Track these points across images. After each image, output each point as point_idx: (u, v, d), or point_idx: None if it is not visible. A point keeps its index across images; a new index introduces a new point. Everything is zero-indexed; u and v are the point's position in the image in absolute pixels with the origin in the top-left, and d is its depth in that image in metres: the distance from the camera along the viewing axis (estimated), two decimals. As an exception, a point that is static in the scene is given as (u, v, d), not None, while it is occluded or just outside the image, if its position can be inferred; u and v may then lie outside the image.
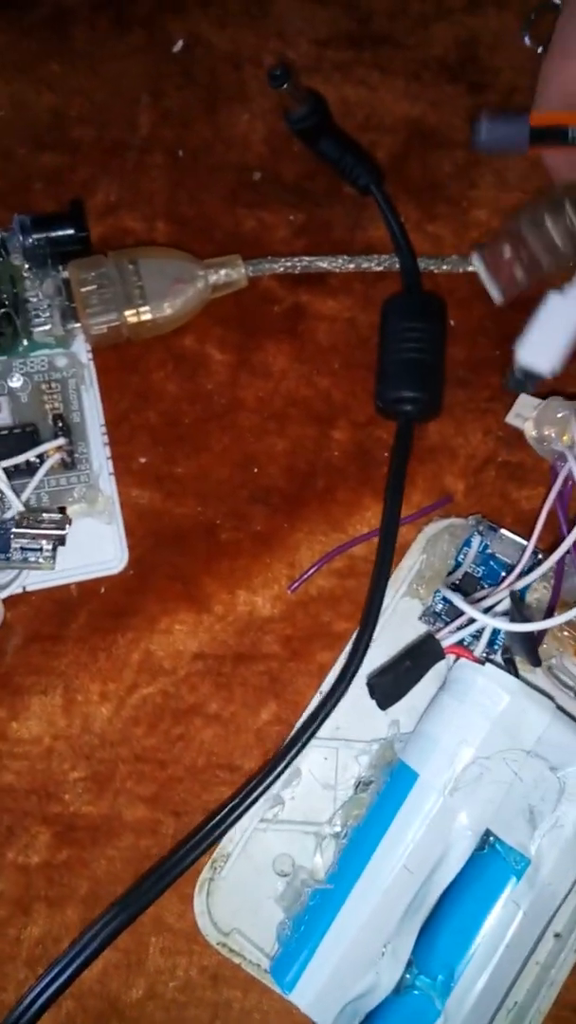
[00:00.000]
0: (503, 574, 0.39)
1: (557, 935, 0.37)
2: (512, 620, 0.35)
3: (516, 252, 0.42)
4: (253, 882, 0.37)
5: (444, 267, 0.45)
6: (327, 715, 0.37)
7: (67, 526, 0.39)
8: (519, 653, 0.35)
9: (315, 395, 0.44)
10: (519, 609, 0.35)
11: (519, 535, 0.40)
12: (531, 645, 0.35)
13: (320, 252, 0.45)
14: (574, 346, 0.42)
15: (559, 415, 0.38)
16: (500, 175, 0.47)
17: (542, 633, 0.36)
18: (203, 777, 0.39)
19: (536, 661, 0.35)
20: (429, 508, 0.42)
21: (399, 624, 0.40)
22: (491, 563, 0.40)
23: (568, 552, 0.36)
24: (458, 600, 0.35)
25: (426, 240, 0.46)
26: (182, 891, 0.37)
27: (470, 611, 0.35)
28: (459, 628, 0.36)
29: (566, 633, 0.38)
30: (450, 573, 0.39)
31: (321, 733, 0.38)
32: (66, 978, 0.35)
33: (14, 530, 0.38)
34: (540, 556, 0.39)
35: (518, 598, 0.36)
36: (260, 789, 0.36)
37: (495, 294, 0.44)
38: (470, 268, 0.44)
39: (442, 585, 0.38)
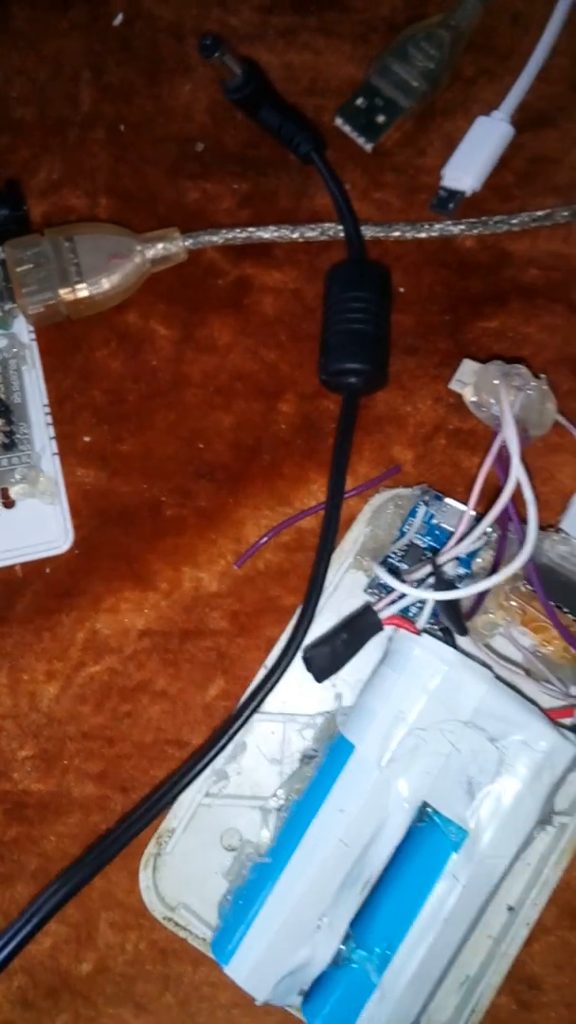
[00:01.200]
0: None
1: (511, 908, 0.37)
2: (437, 589, 0.34)
3: (371, 101, 0.45)
4: (201, 857, 0.37)
5: (392, 233, 0.44)
6: (270, 690, 0.37)
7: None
8: (446, 622, 0.35)
9: (261, 369, 0.43)
10: (440, 577, 0.35)
11: (465, 504, 0.39)
12: (457, 614, 0.35)
13: (266, 222, 0.44)
14: (491, 166, 0.44)
15: (494, 381, 0.37)
16: (449, 141, 0.46)
17: (480, 601, 0.36)
18: (151, 753, 0.39)
19: (462, 630, 0.35)
20: (377, 479, 0.41)
21: (345, 597, 0.39)
22: (436, 532, 0.39)
23: (508, 518, 0.36)
24: (381, 572, 0.35)
25: (373, 207, 0.46)
26: (131, 866, 0.38)
27: (392, 582, 0.35)
28: (396, 599, 0.36)
29: (513, 603, 0.38)
30: (395, 543, 0.39)
31: (267, 707, 0.38)
32: (11, 950, 0.35)
33: None
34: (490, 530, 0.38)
35: (439, 566, 0.35)
36: (202, 763, 0.37)
37: (362, 142, 0.45)
38: (337, 123, 0.46)
39: (373, 559, 0.37)
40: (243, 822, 0.38)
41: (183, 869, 0.37)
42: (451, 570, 0.37)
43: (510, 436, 0.35)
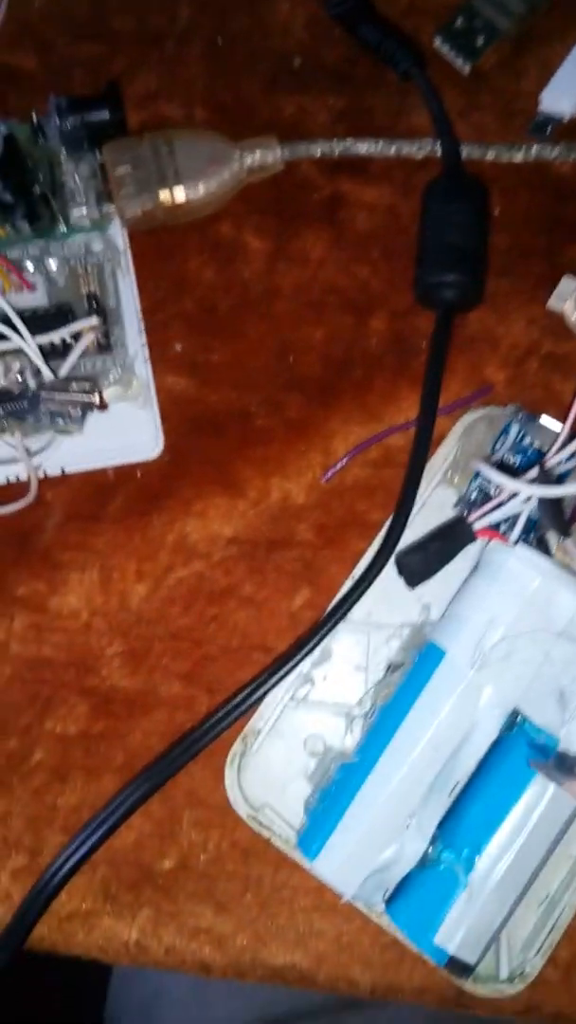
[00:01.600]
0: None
1: (594, 827, 0.37)
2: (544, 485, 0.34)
3: (470, 22, 0.45)
4: (285, 759, 0.38)
5: (489, 154, 0.44)
6: (358, 597, 0.37)
7: (96, 394, 0.39)
8: (548, 523, 0.35)
9: (353, 284, 0.43)
10: (545, 475, 0.34)
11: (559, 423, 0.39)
12: (559, 514, 0.34)
13: (363, 137, 0.44)
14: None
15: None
16: (546, 66, 0.45)
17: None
18: (237, 656, 0.39)
19: (566, 530, 0.35)
20: (468, 398, 0.41)
21: (434, 513, 0.39)
22: (528, 453, 0.39)
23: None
24: (486, 468, 0.35)
25: (470, 129, 0.45)
26: (216, 766, 0.38)
27: (497, 477, 0.35)
28: (491, 510, 0.36)
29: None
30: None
31: (353, 617, 0.38)
32: (95, 840, 0.36)
33: (43, 394, 0.38)
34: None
35: (544, 465, 0.35)
36: (288, 666, 0.37)
37: (460, 63, 0.45)
38: (436, 43, 0.45)
39: (478, 460, 0.37)
40: (327, 728, 0.38)
41: (267, 771, 0.37)
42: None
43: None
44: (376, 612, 0.39)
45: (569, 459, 0.36)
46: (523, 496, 0.35)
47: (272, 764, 0.38)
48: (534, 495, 0.34)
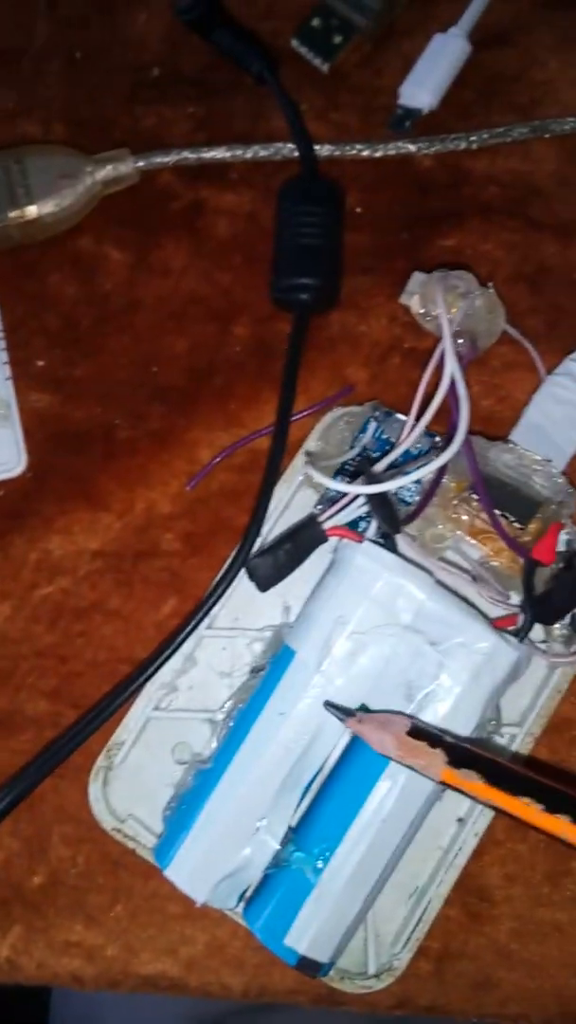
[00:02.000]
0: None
1: (460, 820, 0.36)
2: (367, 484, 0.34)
3: (326, 21, 0.45)
4: (152, 770, 0.38)
5: (348, 152, 0.44)
6: (214, 603, 0.37)
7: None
8: (378, 520, 0.35)
9: (215, 291, 0.43)
10: (368, 471, 0.34)
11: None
12: (387, 510, 0.34)
13: (220, 144, 0.44)
14: (448, 83, 0.44)
15: (435, 288, 0.37)
16: (407, 61, 0.45)
17: (422, 506, 0.36)
18: (104, 671, 0.39)
19: (395, 527, 0.34)
20: (329, 399, 0.41)
21: (297, 514, 0.39)
22: (387, 448, 0.39)
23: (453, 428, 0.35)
24: (311, 470, 0.35)
25: (331, 128, 0.45)
26: (84, 780, 0.38)
27: (321, 478, 0.35)
28: (338, 511, 0.36)
29: (464, 516, 0.38)
30: (343, 457, 0.39)
31: (219, 624, 0.39)
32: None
33: None
34: (437, 438, 0.38)
35: (366, 461, 0.35)
36: (145, 675, 0.37)
37: (319, 63, 0.45)
38: (293, 45, 0.45)
39: (305, 461, 0.37)
40: (194, 736, 0.38)
41: (134, 782, 0.37)
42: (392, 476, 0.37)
43: (446, 335, 0.35)
44: (242, 617, 0.39)
45: (405, 457, 0.36)
46: (356, 495, 0.34)
47: (140, 775, 0.37)
48: (360, 494, 0.34)
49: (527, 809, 0.29)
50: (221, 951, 0.37)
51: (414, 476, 0.34)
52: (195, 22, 0.45)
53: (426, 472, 0.34)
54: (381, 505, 0.34)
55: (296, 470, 0.39)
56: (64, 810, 0.38)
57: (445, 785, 0.30)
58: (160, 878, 0.36)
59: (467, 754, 0.30)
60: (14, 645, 0.40)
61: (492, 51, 0.45)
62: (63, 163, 0.42)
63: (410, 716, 0.33)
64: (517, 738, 0.37)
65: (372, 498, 0.34)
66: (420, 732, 0.31)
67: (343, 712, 0.33)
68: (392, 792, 0.33)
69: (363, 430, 0.39)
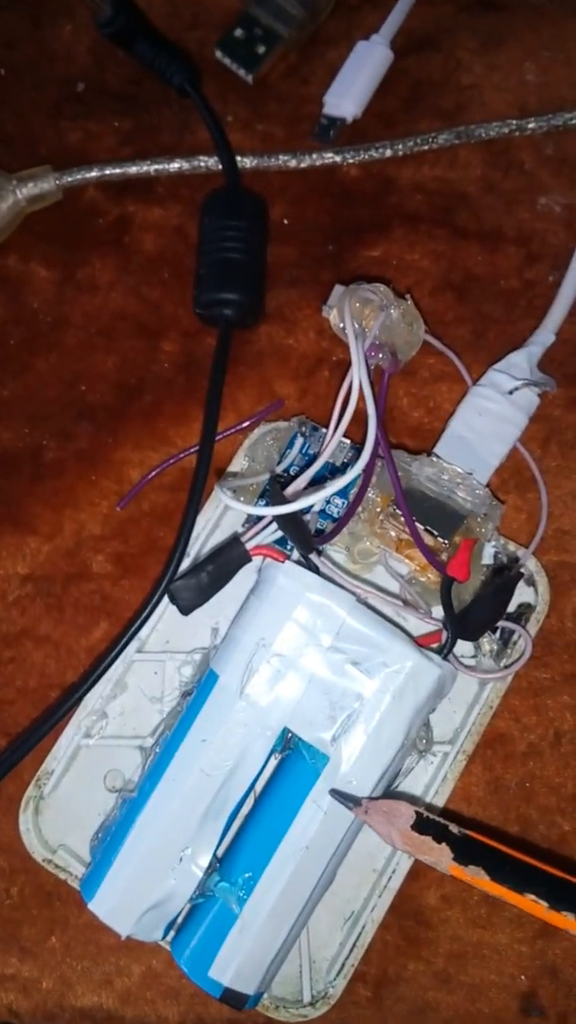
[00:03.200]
0: (326, 475, 0.38)
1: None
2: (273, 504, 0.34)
3: (249, 31, 0.44)
4: (84, 798, 0.37)
5: (272, 163, 0.43)
6: (139, 627, 0.37)
7: None
8: (292, 542, 0.34)
9: (144, 307, 0.43)
10: (278, 493, 0.34)
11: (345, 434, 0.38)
12: (299, 531, 0.34)
13: (145, 158, 0.43)
14: (372, 91, 0.44)
15: (350, 301, 0.36)
16: (332, 70, 0.45)
17: (341, 524, 0.35)
18: (35, 698, 0.39)
19: (308, 548, 0.34)
20: (258, 415, 0.41)
21: (227, 534, 0.39)
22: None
23: (377, 448, 0.35)
24: (220, 492, 0.35)
25: (257, 139, 0.45)
26: (16, 811, 0.37)
27: (229, 501, 0.34)
28: (260, 530, 0.35)
29: (391, 532, 0.37)
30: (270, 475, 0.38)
31: (150, 647, 0.38)
32: None
33: None
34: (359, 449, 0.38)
35: (276, 480, 0.34)
36: (70, 702, 0.36)
37: (243, 74, 0.45)
38: (217, 55, 0.45)
39: (218, 482, 0.37)
40: (126, 763, 0.37)
41: (66, 811, 0.37)
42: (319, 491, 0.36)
43: (352, 348, 0.35)
44: (173, 639, 0.38)
45: (329, 471, 0.36)
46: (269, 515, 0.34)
47: (71, 804, 0.37)
48: (268, 515, 0.34)
49: (534, 906, 0.29)
50: (157, 981, 0.36)
51: (318, 496, 0.33)
52: (117, 35, 0.44)
53: (331, 491, 0.33)
54: (291, 526, 0.34)
55: (224, 487, 0.39)
56: (-4, 842, 0.37)
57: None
58: (94, 907, 0.36)
59: (472, 846, 0.30)
60: (-58, 674, 0.39)
61: (416, 57, 0.45)
62: (-17, 182, 0.41)
63: (413, 802, 0.32)
64: (449, 756, 0.36)
65: (281, 519, 0.34)
66: (424, 823, 0.31)
67: (349, 800, 0.32)
68: (315, 818, 0.32)
69: (290, 445, 0.39)
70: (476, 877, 0.30)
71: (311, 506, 0.34)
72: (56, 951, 0.37)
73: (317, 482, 0.35)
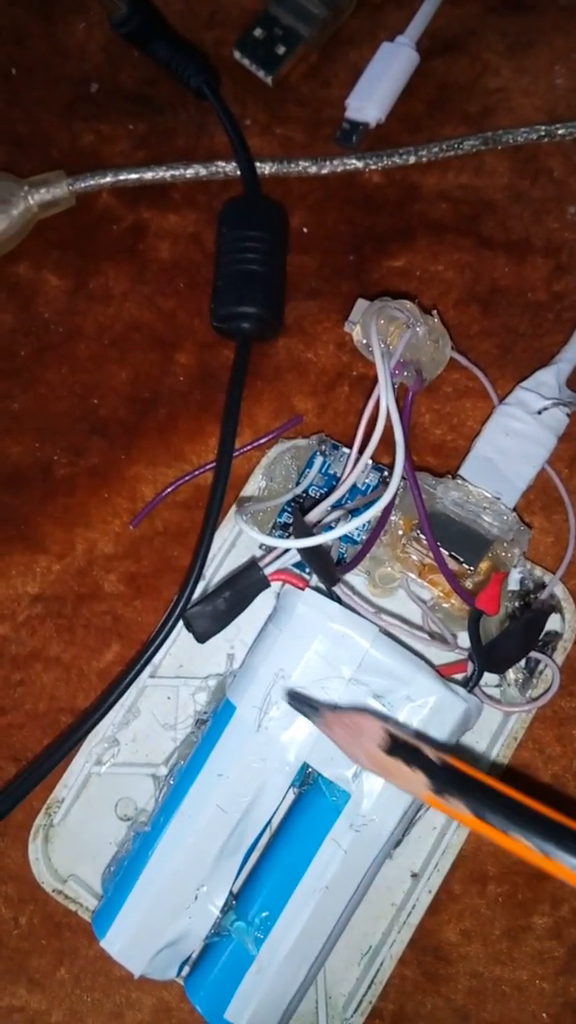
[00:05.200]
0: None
1: (414, 875, 0.35)
2: (296, 536, 0.32)
3: (269, 31, 0.43)
4: (95, 827, 0.36)
5: (292, 169, 0.42)
6: (153, 653, 0.36)
7: None
8: (314, 572, 0.33)
9: (159, 318, 0.42)
10: (300, 524, 0.33)
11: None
12: (322, 562, 0.33)
13: (162, 163, 0.42)
14: (396, 94, 0.43)
15: (376, 318, 0.35)
16: (355, 71, 0.43)
17: (364, 551, 0.34)
18: (45, 722, 0.38)
19: (331, 580, 0.33)
20: (276, 431, 0.40)
21: (245, 554, 0.38)
22: (334, 483, 0.37)
23: (404, 470, 0.34)
24: (241, 522, 0.33)
25: (276, 143, 0.43)
26: (25, 839, 0.36)
27: (250, 532, 0.33)
28: (278, 556, 0.34)
29: (413, 556, 0.36)
30: (286, 496, 0.37)
31: (163, 672, 0.37)
32: None
33: None
34: (386, 472, 0.37)
35: (298, 511, 0.33)
36: (83, 729, 0.35)
37: (262, 75, 0.43)
38: (235, 56, 0.44)
39: (236, 509, 0.35)
40: (137, 791, 0.36)
41: (77, 840, 0.36)
42: (335, 519, 0.35)
43: (380, 368, 0.33)
44: (187, 664, 0.37)
45: (352, 494, 0.35)
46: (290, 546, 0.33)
47: (82, 832, 0.36)
48: (291, 548, 0.33)
49: (522, 849, 0.24)
50: (168, 1015, 0.36)
51: (344, 529, 0.32)
52: (132, 34, 0.43)
53: (357, 524, 0.32)
54: (314, 556, 0.32)
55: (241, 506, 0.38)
56: (5, 869, 0.37)
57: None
58: (105, 940, 0.35)
59: (451, 775, 0.26)
60: (-50, 695, 0.38)
61: (441, 59, 0.43)
62: (-3, 188, 0.40)
63: (383, 719, 0.30)
64: (472, 788, 0.35)
65: (305, 551, 0.32)
66: (397, 744, 0.27)
67: (308, 706, 0.30)
68: (336, 857, 0.31)
69: (309, 465, 0.38)
70: (456, 811, 0.25)
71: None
72: (65, 983, 0.36)
73: (337, 505, 0.34)
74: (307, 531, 0.32)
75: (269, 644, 0.33)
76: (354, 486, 0.36)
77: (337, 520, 0.36)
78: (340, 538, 0.36)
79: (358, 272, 0.42)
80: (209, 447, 0.40)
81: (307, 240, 0.42)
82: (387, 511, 0.35)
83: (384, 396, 0.32)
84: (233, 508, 0.37)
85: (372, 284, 0.41)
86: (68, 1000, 0.36)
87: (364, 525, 0.36)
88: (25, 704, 0.38)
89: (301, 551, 0.33)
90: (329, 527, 0.34)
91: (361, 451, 0.34)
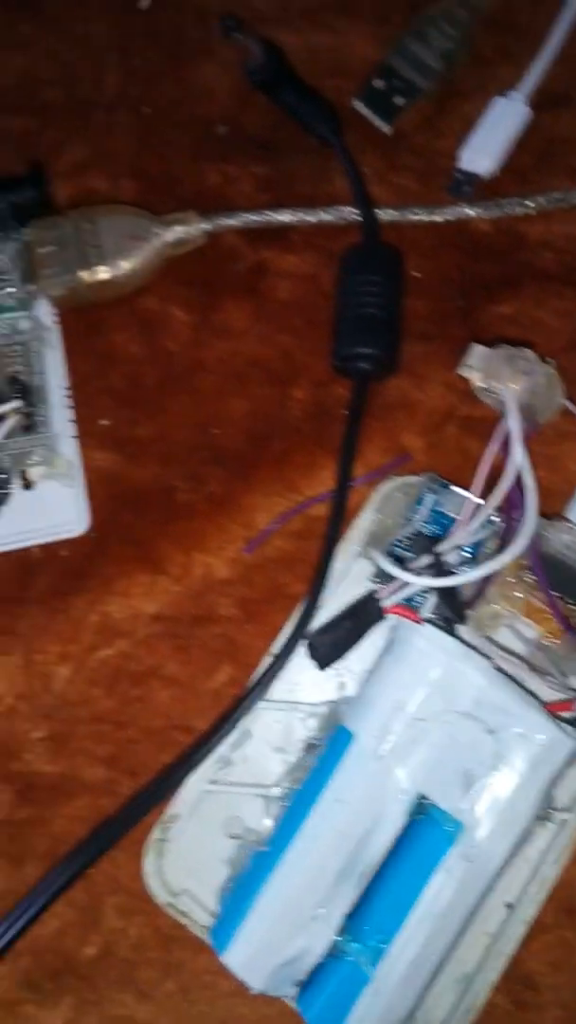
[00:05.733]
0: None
1: (509, 905, 0.36)
2: (434, 576, 0.34)
3: (389, 82, 0.44)
4: (204, 844, 0.37)
5: (409, 217, 0.44)
6: (272, 677, 0.37)
7: (11, 486, 0.40)
8: (444, 610, 0.35)
9: (275, 354, 0.43)
10: (437, 564, 0.34)
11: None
12: (454, 601, 0.34)
13: (285, 206, 0.44)
14: (508, 148, 0.44)
15: (500, 366, 0.36)
16: (467, 122, 0.45)
17: (481, 591, 0.35)
18: (160, 739, 0.39)
19: (461, 618, 0.34)
20: (386, 467, 0.41)
21: (353, 585, 0.39)
22: (443, 521, 0.39)
23: (514, 505, 0.35)
24: (380, 559, 0.35)
25: (391, 191, 0.45)
26: (138, 851, 0.38)
27: (391, 569, 0.34)
28: (399, 588, 0.36)
29: (518, 594, 0.37)
30: (401, 531, 0.39)
31: (273, 695, 0.38)
32: (16, 932, 0.36)
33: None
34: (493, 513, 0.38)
35: (437, 553, 0.35)
36: (204, 749, 0.37)
37: (381, 125, 0.45)
38: (355, 105, 0.45)
39: (372, 546, 0.37)
40: (247, 810, 0.38)
41: (187, 856, 0.37)
42: (455, 558, 0.36)
43: (512, 421, 0.35)
44: (296, 689, 0.39)
45: (470, 540, 0.36)
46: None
47: (192, 849, 0.37)
48: (421, 585, 0.34)
49: None
50: (272, 1029, 0.37)
51: (482, 572, 0.34)
52: (264, 82, 0.45)
53: (494, 569, 0.34)
54: (448, 596, 0.34)
55: (352, 540, 0.39)
56: (118, 880, 0.38)
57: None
58: (211, 954, 0.36)
59: None
60: (72, 708, 0.40)
61: (550, 113, 0.45)
62: (133, 224, 0.42)
63: None
64: (569, 823, 0.36)
65: (440, 590, 0.34)
66: None
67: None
68: (448, 886, 0.33)
69: (420, 502, 0.39)
70: None
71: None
72: (173, 995, 0.37)
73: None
74: (446, 571, 0.34)
75: (387, 676, 0.35)
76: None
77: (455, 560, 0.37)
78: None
79: (467, 317, 0.43)
80: (320, 479, 0.41)
81: (418, 284, 0.44)
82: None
83: (516, 445, 0.34)
84: (354, 532, 0.39)
85: (480, 329, 0.43)
86: (175, 1012, 0.37)
87: (471, 557, 0.37)
88: (141, 720, 0.40)
89: (437, 589, 0.34)
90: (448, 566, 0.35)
91: (488, 503, 0.35)
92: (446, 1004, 0.36)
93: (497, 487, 0.35)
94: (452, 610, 0.34)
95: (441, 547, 0.35)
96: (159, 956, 0.38)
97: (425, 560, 0.35)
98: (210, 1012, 0.37)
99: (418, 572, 0.35)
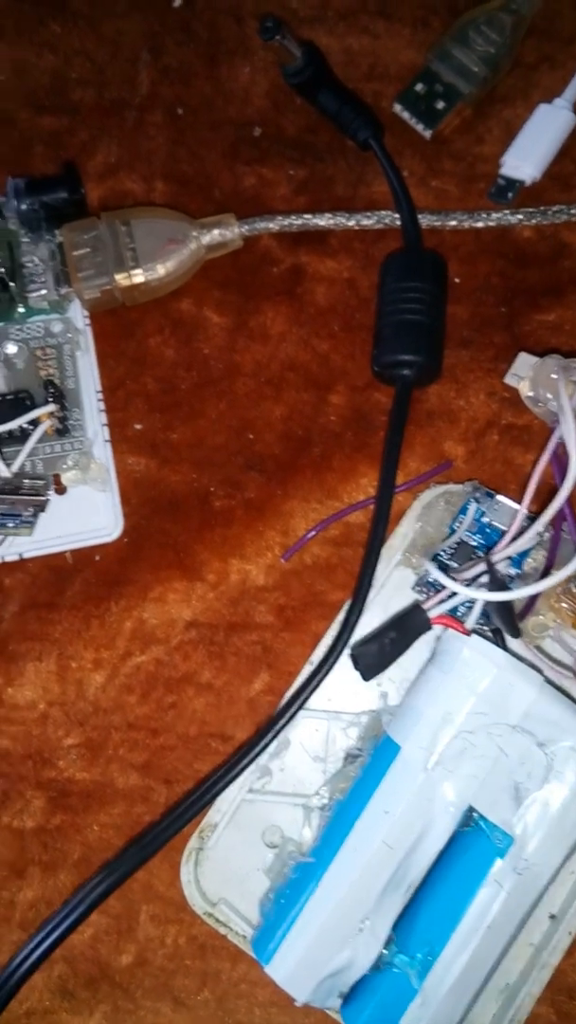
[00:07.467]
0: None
1: (552, 916, 0.36)
2: (489, 589, 0.34)
3: (430, 86, 0.44)
4: (243, 853, 0.37)
5: (449, 223, 0.43)
6: (315, 687, 0.37)
7: (49, 492, 0.39)
8: (498, 623, 0.34)
9: (313, 359, 0.43)
10: (494, 577, 0.34)
11: (517, 501, 0.38)
12: (509, 615, 0.34)
13: (321, 209, 0.44)
14: (553, 154, 0.44)
15: (552, 376, 0.36)
16: (508, 128, 0.45)
17: (532, 603, 0.35)
18: (195, 746, 0.39)
19: (515, 632, 0.34)
20: (427, 474, 0.41)
21: (393, 594, 0.39)
22: (487, 531, 0.38)
23: (564, 517, 0.35)
24: (434, 570, 0.35)
25: (431, 195, 0.45)
26: (173, 860, 0.38)
27: (445, 580, 0.34)
28: (446, 598, 0.35)
29: (564, 605, 0.37)
30: (445, 541, 0.38)
31: (312, 704, 0.38)
32: (55, 939, 0.35)
33: (-6, 496, 0.38)
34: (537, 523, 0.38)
35: (493, 566, 0.34)
36: (245, 760, 0.36)
37: (421, 129, 0.44)
38: (395, 109, 0.45)
39: (424, 556, 0.37)
40: (285, 819, 0.37)
41: (225, 865, 0.37)
42: (503, 569, 0.36)
43: (568, 432, 0.35)
44: (336, 699, 0.39)
45: (519, 551, 0.36)
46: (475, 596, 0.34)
47: (230, 858, 0.37)
48: (481, 599, 0.34)
49: None
50: (308, 1041, 0.36)
51: (542, 586, 0.33)
52: (302, 85, 0.44)
53: (556, 583, 0.33)
54: (503, 610, 0.34)
55: (393, 548, 0.39)
56: (154, 888, 0.38)
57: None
58: (249, 963, 0.36)
59: None
60: (106, 715, 0.39)
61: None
62: (170, 227, 0.42)
63: None
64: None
65: (494, 603, 0.34)
66: None
67: None
68: (497, 898, 0.33)
69: (463, 511, 0.39)
70: None
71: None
72: (209, 1003, 0.37)
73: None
74: (502, 585, 0.33)
75: (435, 687, 0.35)
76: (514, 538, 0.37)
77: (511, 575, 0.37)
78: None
79: (509, 324, 0.43)
80: (360, 486, 0.41)
81: (459, 290, 0.43)
82: (549, 564, 0.36)
83: (574, 455, 0.33)
84: (395, 540, 0.39)
85: (524, 337, 0.42)
86: (211, 1021, 0.37)
87: (515, 572, 0.37)
88: (176, 727, 0.39)
89: (490, 603, 0.34)
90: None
91: (534, 508, 0.35)
92: (489, 1014, 0.36)
93: (554, 499, 0.34)
94: (506, 624, 0.34)
95: (494, 558, 0.35)
96: (195, 965, 0.37)
97: (475, 570, 0.35)
98: (248, 1022, 0.37)
99: (469, 583, 0.35)
